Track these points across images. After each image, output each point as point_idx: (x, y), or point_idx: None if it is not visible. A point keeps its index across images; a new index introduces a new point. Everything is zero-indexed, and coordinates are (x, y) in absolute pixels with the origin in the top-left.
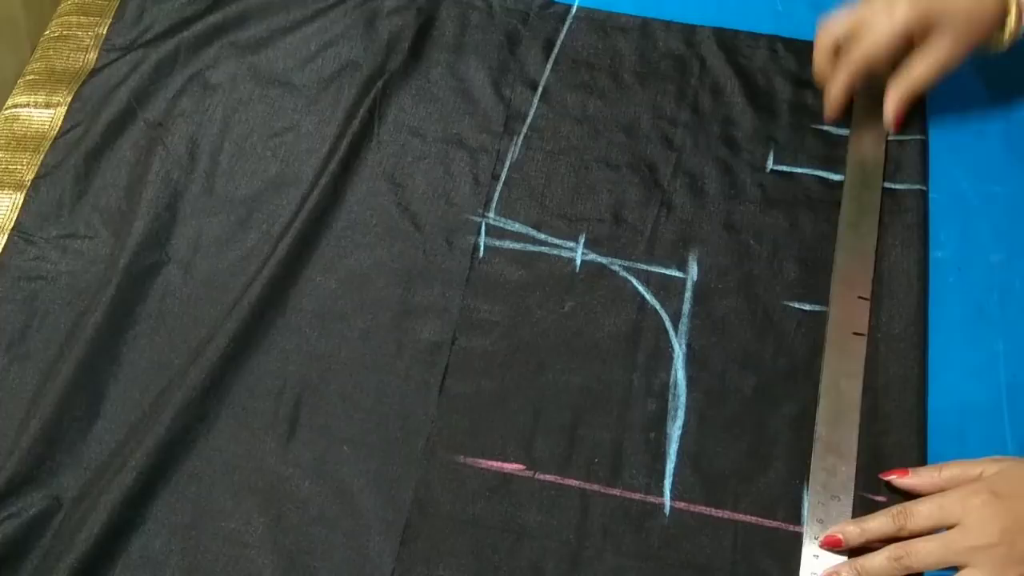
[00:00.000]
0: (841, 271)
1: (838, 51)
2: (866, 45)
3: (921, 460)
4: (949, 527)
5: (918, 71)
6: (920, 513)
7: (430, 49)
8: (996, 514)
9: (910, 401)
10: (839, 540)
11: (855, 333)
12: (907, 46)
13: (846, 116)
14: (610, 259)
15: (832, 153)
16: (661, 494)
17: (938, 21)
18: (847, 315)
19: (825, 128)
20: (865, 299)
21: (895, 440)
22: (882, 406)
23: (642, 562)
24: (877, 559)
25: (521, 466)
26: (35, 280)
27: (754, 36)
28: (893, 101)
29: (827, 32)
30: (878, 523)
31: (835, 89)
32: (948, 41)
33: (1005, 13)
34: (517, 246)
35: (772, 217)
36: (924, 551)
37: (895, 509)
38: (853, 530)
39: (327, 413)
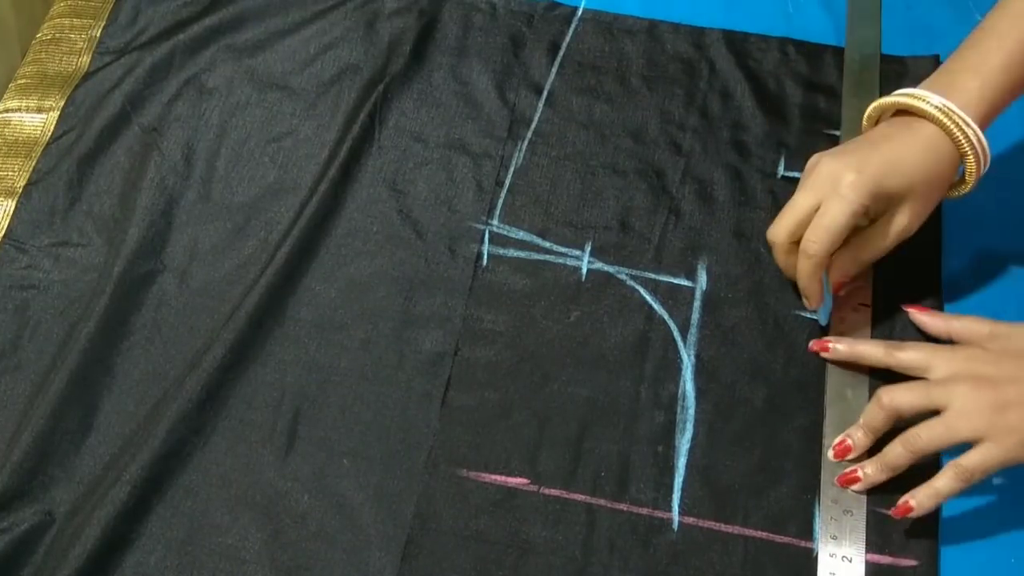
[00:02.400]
0: None
1: (798, 242)
2: (822, 235)
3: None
4: (933, 405)
5: (877, 244)
6: (910, 357)
7: (432, 52)
8: (981, 395)
9: None
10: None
11: None
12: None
13: None
14: (617, 268)
15: None
16: (669, 509)
17: (897, 194)
18: (848, 324)
19: (837, 133)
20: (866, 306)
21: None
22: None
23: None
24: (894, 449)
25: (525, 480)
26: (27, 289)
27: (765, 38)
28: (840, 272)
29: (777, 232)
30: (869, 347)
31: (806, 282)
32: (910, 211)
33: (962, 160)
34: (521, 254)
35: None
36: (930, 434)
37: (888, 343)
38: (845, 350)
39: (326, 425)
